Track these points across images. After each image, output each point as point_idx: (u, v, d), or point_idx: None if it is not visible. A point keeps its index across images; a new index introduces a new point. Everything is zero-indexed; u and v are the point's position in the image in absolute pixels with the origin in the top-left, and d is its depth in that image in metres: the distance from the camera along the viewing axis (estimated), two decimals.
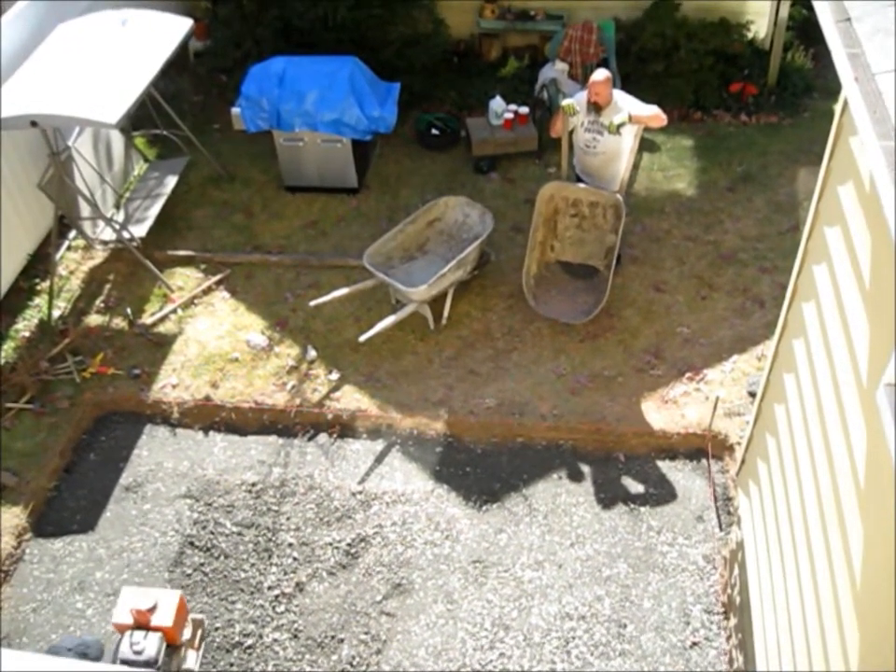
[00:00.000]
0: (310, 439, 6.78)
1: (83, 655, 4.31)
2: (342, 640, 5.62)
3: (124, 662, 4.85)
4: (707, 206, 8.45)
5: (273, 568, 5.99)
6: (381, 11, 9.12)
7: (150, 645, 4.91)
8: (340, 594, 5.84)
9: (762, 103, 9.51)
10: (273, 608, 5.79)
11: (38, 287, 7.85)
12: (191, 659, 5.28)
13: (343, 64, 8.32)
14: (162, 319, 7.58)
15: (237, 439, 6.81)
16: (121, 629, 5.01)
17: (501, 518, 6.22)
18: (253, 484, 6.45)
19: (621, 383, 6.92)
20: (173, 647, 5.13)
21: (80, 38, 7.36)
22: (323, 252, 8.16)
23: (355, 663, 5.52)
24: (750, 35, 9.70)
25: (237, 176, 9.03)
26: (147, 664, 4.86)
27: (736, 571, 5.50)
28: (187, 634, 5.25)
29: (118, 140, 8.75)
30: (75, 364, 7.12)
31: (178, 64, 9.05)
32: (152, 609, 5.00)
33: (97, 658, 4.39)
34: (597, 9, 9.55)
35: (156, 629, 4.98)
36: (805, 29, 9.76)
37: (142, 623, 4.98)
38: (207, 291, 7.84)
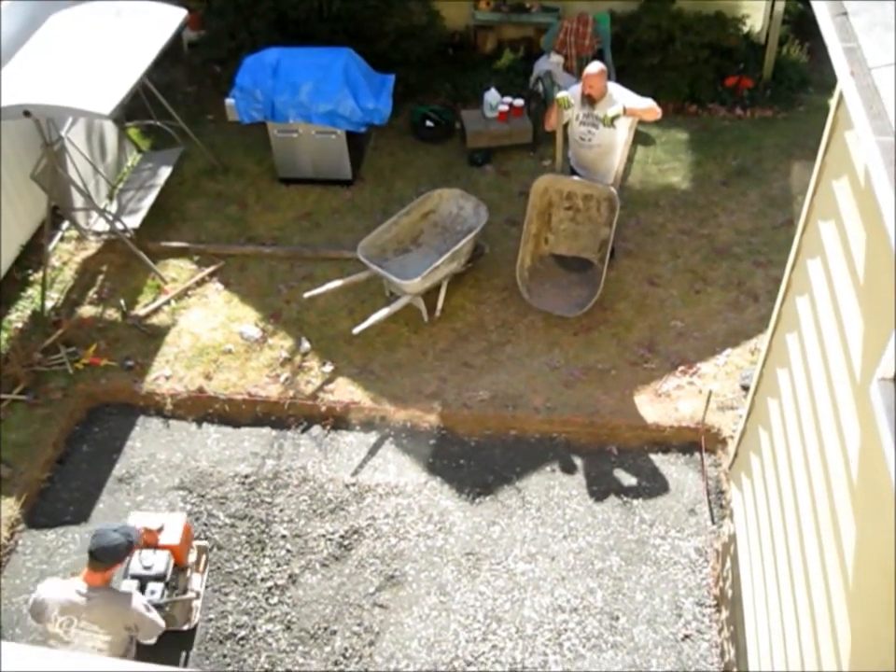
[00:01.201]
0: (303, 431, 6.77)
1: (127, 535, 4.62)
2: (334, 632, 5.63)
3: (135, 577, 5.29)
4: (702, 200, 8.45)
5: (267, 560, 5.99)
6: (376, 2, 9.09)
7: (159, 561, 5.35)
8: (333, 585, 5.85)
9: (757, 97, 9.53)
10: (267, 599, 5.79)
11: (31, 279, 7.82)
12: (196, 581, 5.70)
13: (337, 56, 8.30)
14: (156, 311, 7.57)
15: (230, 430, 6.80)
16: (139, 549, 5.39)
17: (494, 510, 6.23)
18: (246, 476, 6.45)
19: (614, 376, 6.93)
20: (179, 568, 5.56)
21: (74, 28, 7.32)
22: (317, 244, 8.14)
23: (347, 654, 5.52)
24: (746, 29, 9.70)
25: (231, 168, 9.01)
26: (156, 578, 5.30)
27: (728, 564, 5.52)
28: (192, 557, 5.70)
29: (111, 131, 8.72)
30: (68, 355, 7.10)
31: (172, 55, 9.00)
32: (160, 530, 5.44)
33: (136, 542, 4.75)
34: (593, 2, 9.54)
35: (164, 548, 5.42)
36: (800, 23, 9.75)
37: (150, 543, 5.42)
38: (201, 283, 7.82)
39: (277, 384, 6.98)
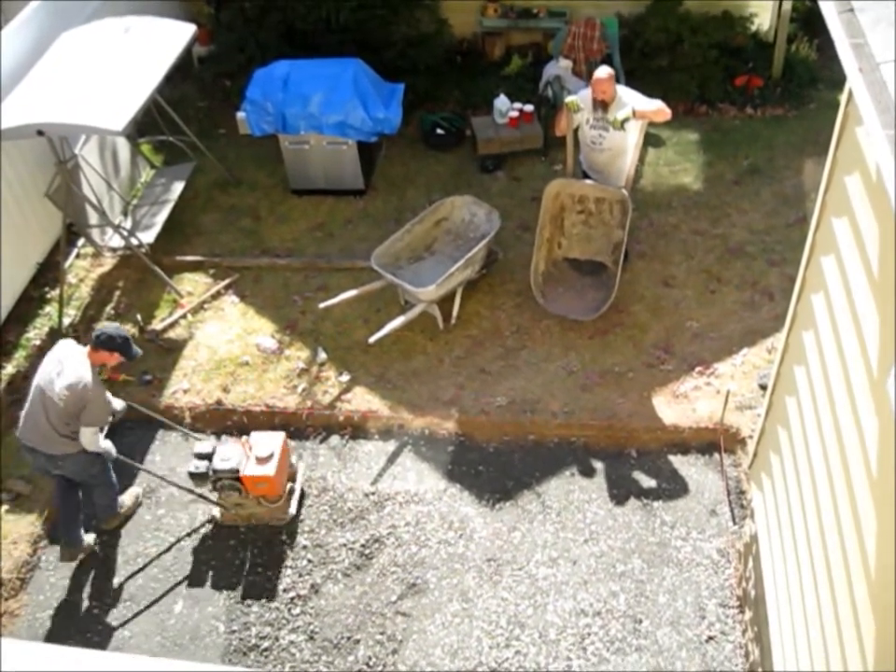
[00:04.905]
0: (322, 441, 6.79)
1: (125, 341, 5.50)
2: (357, 641, 5.63)
3: (203, 449, 6.03)
4: (714, 200, 8.44)
5: (288, 571, 6.00)
6: (383, 12, 9.15)
7: (225, 464, 5.90)
8: (355, 594, 5.85)
9: (767, 95, 9.51)
10: (289, 610, 5.80)
11: (48, 296, 7.88)
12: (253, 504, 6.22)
13: (346, 66, 8.34)
14: (172, 325, 7.61)
15: None
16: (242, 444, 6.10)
17: (514, 516, 6.22)
18: None
19: (631, 378, 6.91)
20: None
21: (84, 46, 7.39)
22: (331, 254, 8.17)
23: (371, 663, 5.53)
24: (754, 28, 9.70)
25: (244, 181, 9.06)
26: (208, 459, 5.95)
27: (751, 564, 5.49)
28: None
29: (124, 147, 8.78)
30: None
31: (183, 70, 9.08)
32: (259, 459, 5.96)
33: (131, 353, 5.56)
34: (600, 6, 9.56)
35: (237, 471, 5.93)
36: (808, 20, 9.74)
37: (245, 453, 6.02)
38: (216, 296, 7.86)
39: (295, 394, 7.00)
